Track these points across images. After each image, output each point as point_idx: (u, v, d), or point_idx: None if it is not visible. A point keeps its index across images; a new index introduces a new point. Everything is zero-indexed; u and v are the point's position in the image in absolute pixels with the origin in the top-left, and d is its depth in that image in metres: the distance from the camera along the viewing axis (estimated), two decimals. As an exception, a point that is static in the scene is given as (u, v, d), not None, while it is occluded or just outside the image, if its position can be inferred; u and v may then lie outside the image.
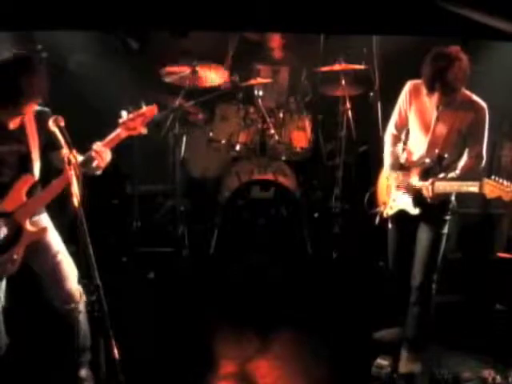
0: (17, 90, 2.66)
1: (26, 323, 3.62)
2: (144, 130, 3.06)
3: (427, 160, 3.28)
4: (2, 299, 3.00)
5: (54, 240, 3.02)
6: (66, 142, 2.60)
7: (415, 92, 3.33)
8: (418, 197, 3.28)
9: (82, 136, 2.79)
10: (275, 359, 3.68)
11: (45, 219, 3.03)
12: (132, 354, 2.97)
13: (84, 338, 3.08)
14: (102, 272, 2.41)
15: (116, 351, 2.42)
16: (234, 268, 4.72)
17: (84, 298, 2.94)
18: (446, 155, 3.21)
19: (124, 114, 3.02)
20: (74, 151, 2.58)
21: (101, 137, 5.17)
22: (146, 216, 5.22)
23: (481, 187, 2.91)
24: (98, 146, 2.90)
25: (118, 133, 3.00)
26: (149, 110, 3.06)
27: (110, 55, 5.32)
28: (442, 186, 3.14)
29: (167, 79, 4.94)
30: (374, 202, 3.66)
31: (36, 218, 2.93)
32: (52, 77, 2.84)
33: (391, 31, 3.57)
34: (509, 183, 2.87)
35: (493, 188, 2.88)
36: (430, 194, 3.17)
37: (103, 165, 2.92)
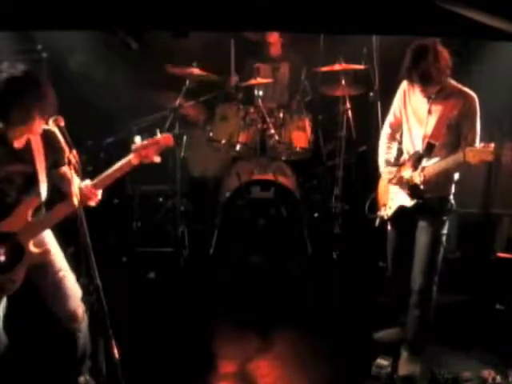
0: (25, 108, 2.59)
1: (27, 327, 3.61)
2: (157, 159, 2.94)
3: (419, 150, 3.30)
4: (1, 314, 2.97)
5: (57, 257, 2.96)
6: (66, 142, 2.58)
7: (410, 91, 3.37)
8: (412, 188, 3.30)
9: (81, 136, 2.78)
10: (275, 359, 3.67)
11: (48, 236, 2.97)
12: (132, 354, 2.97)
13: (83, 350, 3.05)
14: (102, 272, 2.41)
15: (116, 351, 2.42)
16: (234, 268, 4.72)
17: (86, 316, 2.91)
18: (436, 143, 3.22)
19: (138, 139, 2.91)
20: (74, 151, 2.57)
21: (100, 137, 5.20)
22: (146, 216, 5.23)
23: (464, 156, 2.93)
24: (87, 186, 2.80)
25: (130, 159, 2.88)
26: (164, 139, 2.96)
27: (110, 55, 5.32)
28: (431, 169, 3.17)
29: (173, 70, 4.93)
30: (375, 206, 3.66)
31: (39, 236, 2.87)
32: (52, 77, 2.83)
33: (391, 31, 3.56)
34: (487, 144, 2.91)
35: (475, 153, 2.91)
36: (422, 179, 3.19)
37: (93, 204, 2.85)
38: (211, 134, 5.22)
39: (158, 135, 2.97)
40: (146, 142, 2.91)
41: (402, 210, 3.42)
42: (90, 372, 3.12)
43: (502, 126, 4.78)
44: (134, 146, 2.90)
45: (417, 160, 3.27)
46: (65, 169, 2.88)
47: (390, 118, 3.56)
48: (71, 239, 2.98)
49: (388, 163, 3.51)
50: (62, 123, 2.64)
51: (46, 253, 2.86)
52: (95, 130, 5.18)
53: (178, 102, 4.87)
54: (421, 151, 3.28)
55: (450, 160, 3.08)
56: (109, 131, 5.15)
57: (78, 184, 2.67)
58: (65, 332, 2.98)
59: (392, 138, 3.56)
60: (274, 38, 5.47)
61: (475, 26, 2.70)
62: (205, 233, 5.03)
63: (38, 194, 2.80)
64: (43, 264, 2.89)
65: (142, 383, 3.32)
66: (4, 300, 2.92)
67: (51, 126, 2.64)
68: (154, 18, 3.09)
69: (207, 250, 4.84)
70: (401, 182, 3.37)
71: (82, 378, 3.10)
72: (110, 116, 5.29)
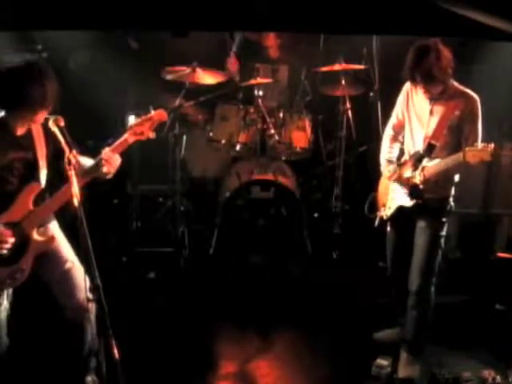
0: (29, 98, 2.62)
1: (32, 326, 3.61)
2: (152, 135, 2.98)
3: (419, 151, 3.30)
4: (7, 306, 2.97)
5: (64, 248, 2.96)
6: (66, 141, 2.59)
7: (412, 92, 3.37)
8: (412, 188, 3.30)
9: (81, 136, 2.78)
10: (275, 359, 3.67)
11: (54, 228, 2.98)
12: (132, 354, 2.97)
13: (91, 345, 3.01)
14: (102, 272, 2.41)
15: (116, 351, 2.42)
16: (234, 268, 4.73)
17: (94, 307, 2.89)
18: (436, 144, 3.22)
19: (132, 118, 2.99)
20: (74, 151, 2.57)
21: (100, 137, 5.20)
22: (146, 216, 5.22)
23: (464, 156, 2.95)
24: (106, 152, 2.83)
25: (126, 138, 2.93)
26: (157, 114, 2.98)
27: (111, 55, 5.32)
28: (431, 169, 3.18)
29: (169, 77, 4.90)
30: (374, 206, 3.66)
31: (43, 228, 2.87)
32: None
33: (391, 31, 3.57)
34: (486, 144, 2.93)
35: (474, 153, 2.93)
36: (421, 178, 3.19)
37: (113, 170, 2.87)
38: (211, 134, 5.22)
39: (152, 111, 2.99)
40: (139, 120, 2.95)
41: (401, 210, 3.42)
42: (95, 371, 3.10)
43: (502, 127, 4.79)
44: (128, 125, 2.95)
45: (417, 160, 3.27)
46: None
47: (392, 120, 3.56)
48: (71, 239, 2.99)
49: (389, 162, 3.51)
50: (62, 123, 2.65)
51: (51, 241, 2.87)
52: (95, 130, 5.18)
53: (177, 101, 4.87)
54: (421, 151, 3.28)
55: (450, 160, 3.09)
56: (109, 131, 5.15)
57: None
58: (72, 326, 2.97)
59: (394, 139, 3.56)
60: (270, 41, 5.47)
61: (475, 26, 2.71)
62: (205, 233, 5.02)
63: (39, 181, 2.82)
64: (50, 256, 2.90)
65: (142, 383, 3.32)
66: (10, 295, 2.92)
67: (51, 125, 2.65)
68: (154, 18, 3.10)
69: (207, 250, 4.83)
70: (401, 182, 3.38)
71: (89, 378, 3.08)
72: (110, 116, 5.29)
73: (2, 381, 3.10)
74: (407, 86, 3.41)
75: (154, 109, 3.02)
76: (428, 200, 3.30)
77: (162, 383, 3.43)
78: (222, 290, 4.48)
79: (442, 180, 3.24)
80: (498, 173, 4.74)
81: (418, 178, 3.23)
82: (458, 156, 3.00)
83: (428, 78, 3.10)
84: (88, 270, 2.39)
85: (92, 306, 2.79)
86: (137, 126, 2.94)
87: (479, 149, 2.93)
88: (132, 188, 5.25)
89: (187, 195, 5.39)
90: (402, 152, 3.55)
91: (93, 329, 2.95)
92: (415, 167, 3.28)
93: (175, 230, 4.98)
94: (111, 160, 2.84)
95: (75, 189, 2.49)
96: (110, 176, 2.91)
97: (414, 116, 3.37)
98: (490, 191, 4.80)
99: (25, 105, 2.65)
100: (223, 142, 5.15)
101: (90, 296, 2.49)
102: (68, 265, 2.93)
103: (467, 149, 2.96)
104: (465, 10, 2.71)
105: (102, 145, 5.06)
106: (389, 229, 3.63)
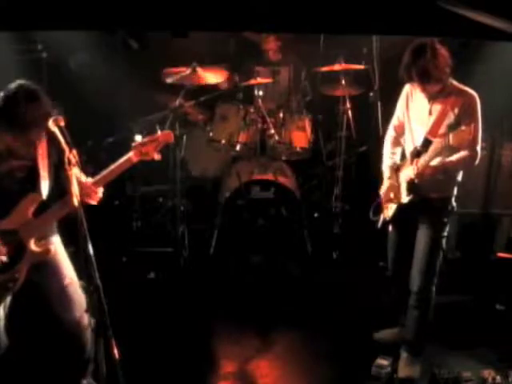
0: (23, 124, 2.62)
1: (33, 328, 3.59)
2: (158, 157, 2.96)
3: (417, 146, 3.30)
4: (3, 316, 2.97)
5: (64, 264, 2.95)
6: (66, 142, 2.58)
7: (412, 93, 3.38)
8: (408, 183, 3.30)
9: (81, 136, 2.77)
10: (275, 359, 3.68)
11: (57, 242, 2.97)
12: (132, 354, 2.97)
13: (89, 354, 3.02)
14: (102, 272, 2.41)
15: (116, 351, 2.42)
16: (234, 268, 4.73)
17: (93, 323, 2.75)
18: (432, 139, 3.21)
19: (138, 137, 2.95)
20: (74, 151, 2.56)
21: (100, 137, 5.20)
22: (146, 216, 5.23)
23: (448, 140, 3.00)
24: (86, 187, 2.83)
25: (130, 156, 2.92)
26: (163, 135, 2.97)
27: (111, 55, 5.32)
28: (423, 161, 3.18)
29: (169, 80, 4.88)
30: (378, 209, 3.65)
31: (44, 241, 2.87)
32: (52, 77, 2.82)
33: (391, 31, 3.57)
34: (463, 127, 3.00)
35: (455, 134, 2.97)
36: (415, 172, 3.20)
37: (94, 202, 2.90)
38: (211, 134, 5.22)
39: (158, 132, 2.99)
40: (145, 140, 2.94)
41: (402, 209, 3.42)
42: (92, 374, 3.11)
43: (502, 126, 4.79)
44: (133, 144, 2.93)
45: (415, 156, 3.27)
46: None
47: (393, 122, 3.56)
48: (71, 239, 2.99)
49: (391, 169, 3.50)
50: (62, 123, 2.64)
51: (47, 252, 2.85)
52: (95, 129, 5.18)
53: (177, 101, 4.87)
54: (418, 147, 3.28)
55: (438, 148, 3.10)
56: (109, 131, 5.15)
57: (79, 182, 2.68)
58: (69, 339, 2.97)
59: (396, 142, 3.55)
60: (270, 44, 5.45)
61: (476, 26, 2.71)
62: (205, 233, 5.02)
63: (40, 191, 2.80)
64: (49, 271, 2.89)
65: (142, 383, 3.32)
66: (6, 306, 2.92)
67: (51, 125, 2.64)
68: (154, 18, 3.09)
69: (207, 249, 4.84)
70: (400, 179, 3.38)
71: (85, 382, 3.09)
72: (110, 116, 5.29)
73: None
74: (407, 88, 3.41)
75: (161, 130, 3.01)
76: (430, 199, 3.30)
77: (162, 383, 3.44)
78: (222, 289, 4.48)
79: (444, 179, 3.24)
80: (498, 173, 4.74)
81: (412, 172, 3.23)
82: (442, 141, 3.04)
83: (424, 77, 3.11)
84: (88, 271, 2.39)
85: (89, 323, 2.80)
86: (142, 146, 2.92)
87: (461, 130, 2.96)
88: (132, 188, 5.25)
89: (187, 195, 5.39)
90: (403, 155, 3.54)
91: (90, 341, 2.96)
92: (412, 163, 3.28)
93: (175, 230, 4.97)
94: (90, 192, 2.85)
95: (75, 189, 2.49)
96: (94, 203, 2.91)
97: (414, 117, 3.37)
98: (490, 191, 4.80)
99: (19, 130, 2.64)
100: (223, 141, 5.15)
101: (87, 315, 2.48)
102: (67, 280, 2.92)
103: (450, 134, 2.99)
104: (465, 10, 2.71)
105: (101, 144, 5.09)
106: (390, 228, 3.62)
